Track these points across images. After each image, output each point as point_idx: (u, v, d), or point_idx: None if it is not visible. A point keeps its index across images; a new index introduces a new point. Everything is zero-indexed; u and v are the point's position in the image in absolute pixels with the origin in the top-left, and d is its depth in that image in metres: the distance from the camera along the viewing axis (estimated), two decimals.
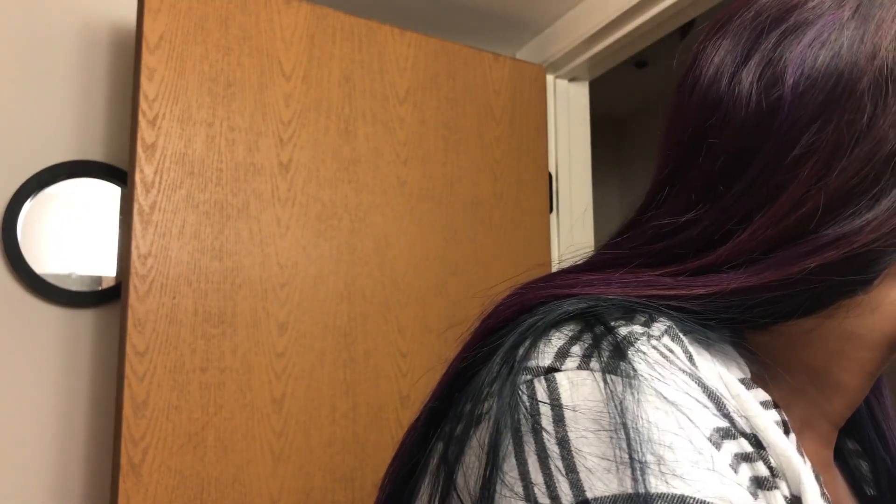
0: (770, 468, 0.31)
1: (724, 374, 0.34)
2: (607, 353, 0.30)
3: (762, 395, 0.36)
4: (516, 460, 0.28)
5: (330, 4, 1.30)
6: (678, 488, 0.26)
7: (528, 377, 0.30)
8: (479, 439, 0.30)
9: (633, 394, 0.28)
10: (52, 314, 1.16)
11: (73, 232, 1.19)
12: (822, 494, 0.34)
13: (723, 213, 0.37)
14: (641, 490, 0.26)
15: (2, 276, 1.14)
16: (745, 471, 0.30)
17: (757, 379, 0.38)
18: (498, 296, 0.39)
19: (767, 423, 0.33)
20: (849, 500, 0.43)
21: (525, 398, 0.30)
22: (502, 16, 1.58)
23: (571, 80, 1.70)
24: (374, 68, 1.31)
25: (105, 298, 1.19)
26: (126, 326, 1.03)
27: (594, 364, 0.30)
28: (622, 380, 0.29)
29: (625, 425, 0.27)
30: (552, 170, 1.63)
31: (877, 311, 0.37)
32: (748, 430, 0.31)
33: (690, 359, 0.33)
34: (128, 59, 1.28)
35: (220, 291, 1.11)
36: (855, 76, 0.35)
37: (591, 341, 0.31)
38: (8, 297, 1.14)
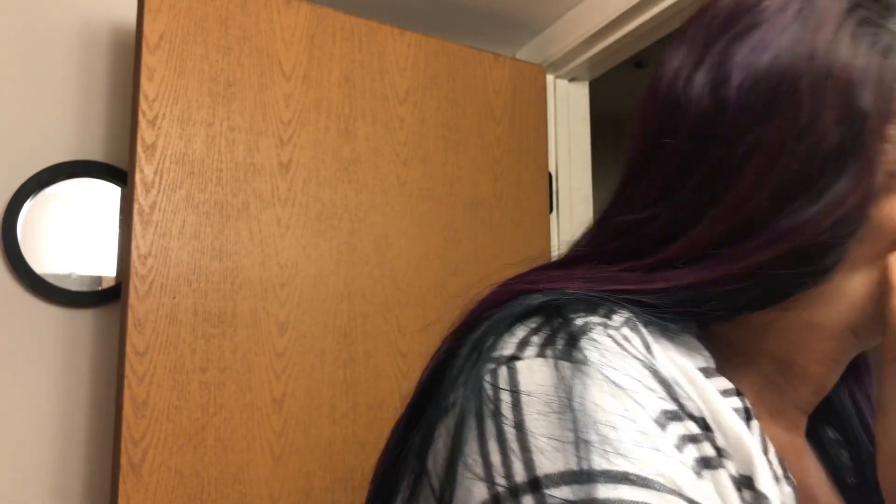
0: (717, 448, 0.32)
1: (680, 361, 0.35)
2: (562, 342, 0.32)
3: (724, 383, 0.37)
4: (478, 443, 0.30)
5: (330, 4, 1.30)
6: (620, 466, 0.27)
7: (493, 366, 0.32)
8: (447, 426, 0.32)
9: (581, 378, 0.30)
10: (52, 314, 1.16)
11: (73, 232, 1.19)
12: (786, 478, 0.35)
13: (677, 210, 0.38)
14: (585, 467, 0.27)
15: (2, 276, 1.14)
16: (691, 451, 0.31)
17: (722, 369, 0.39)
18: (479, 294, 0.41)
19: (721, 407, 0.34)
20: (825, 486, 0.43)
21: (488, 386, 0.31)
22: (502, 16, 1.58)
23: (571, 80, 1.70)
24: (374, 68, 1.31)
25: (105, 298, 1.19)
26: (126, 326, 1.03)
27: (549, 352, 0.31)
28: (573, 366, 0.31)
29: (572, 408, 0.29)
30: (552, 170, 1.63)
31: (837, 302, 0.38)
32: (696, 413, 0.33)
33: (647, 347, 0.34)
34: (128, 59, 1.28)
35: (220, 291, 1.11)
36: (794, 76, 0.36)
37: (549, 332, 0.33)
38: (8, 297, 1.14)
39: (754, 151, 0.36)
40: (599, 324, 0.33)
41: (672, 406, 0.31)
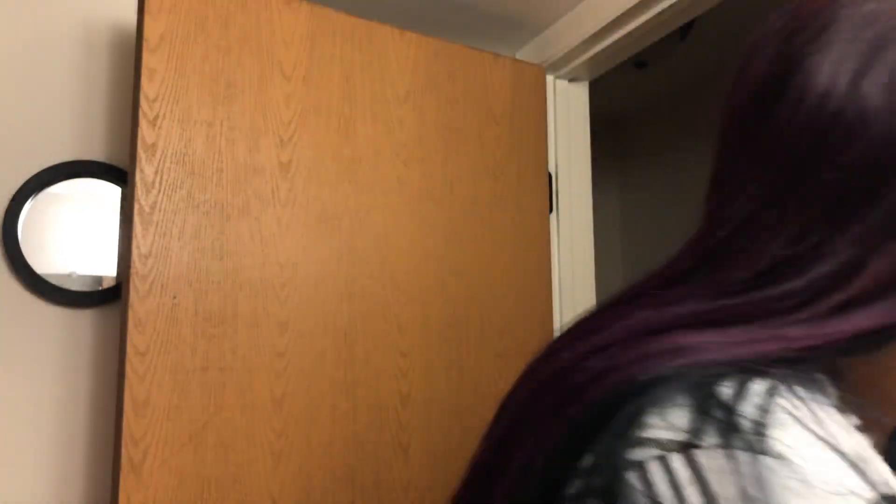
0: None
1: (837, 420, 0.32)
2: (747, 428, 0.29)
3: (853, 419, 0.34)
4: None
5: (330, 4, 1.30)
6: None
7: (655, 452, 0.29)
8: None
9: (769, 477, 0.27)
10: (53, 314, 1.16)
11: (74, 232, 1.19)
12: None
13: (857, 243, 0.33)
14: None
15: (2, 276, 1.14)
16: None
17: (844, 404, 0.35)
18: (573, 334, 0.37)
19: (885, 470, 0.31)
20: None
21: (658, 477, 0.28)
22: (502, 16, 1.58)
23: (571, 80, 1.70)
24: (375, 69, 1.31)
25: (105, 298, 1.20)
26: (126, 326, 1.03)
27: (734, 440, 0.28)
28: (757, 460, 0.28)
29: None
30: (552, 170, 1.63)
31: None
32: (889, 492, 0.29)
33: (815, 417, 0.31)
34: (128, 59, 1.28)
35: (221, 291, 1.11)
36: None
37: (722, 414, 0.30)
38: (8, 297, 1.14)
39: None
40: (772, 401, 0.30)
41: (868, 492, 0.28)
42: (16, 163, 1.17)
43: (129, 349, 1.02)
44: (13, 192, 1.16)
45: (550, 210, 1.59)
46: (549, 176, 1.59)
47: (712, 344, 0.33)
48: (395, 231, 1.29)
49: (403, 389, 1.26)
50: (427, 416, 1.28)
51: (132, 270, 1.04)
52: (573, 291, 1.62)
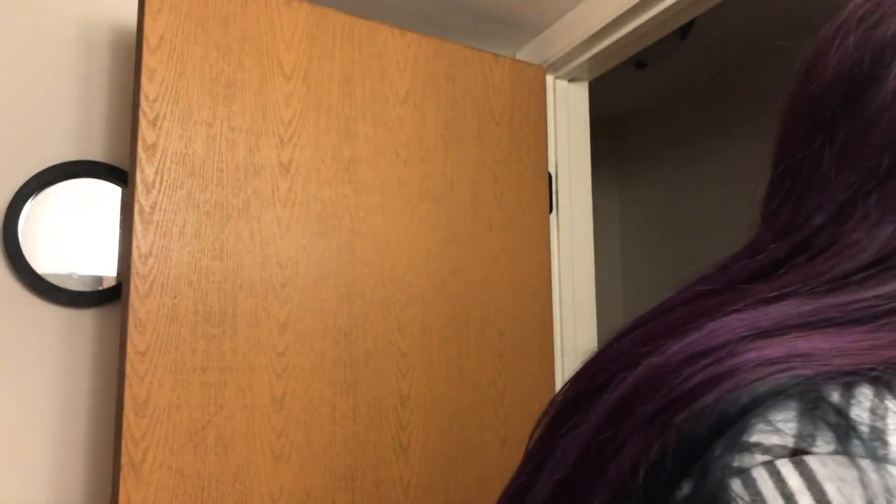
0: None
1: None
2: (864, 433, 0.27)
3: None
4: None
5: (330, 4, 1.30)
6: None
7: (762, 458, 0.27)
8: None
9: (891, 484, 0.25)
10: (53, 314, 1.17)
11: (74, 232, 1.19)
12: None
13: None
14: None
15: (3, 275, 1.14)
16: None
17: None
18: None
19: None
20: None
21: (765, 485, 0.26)
22: (502, 16, 1.58)
23: (571, 80, 1.70)
24: (375, 69, 1.31)
25: (106, 298, 1.20)
26: (127, 326, 1.03)
27: (852, 446, 0.26)
28: (880, 467, 0.26)
29: None
30: (552, 170, 1.63)
31: None
32: None
33: None
34: (129, 59, 1.28)
35: (221, 291, 1.11)
36: None
37: (835, 420, 0.28)
38: (9, 296, 1.14)
39: None
40: (883, 406, 0.28)
41: None
42: (16, 163, 1.17)
43: (130, 349, 1.02)
44: (13, 192, 1.16)
45: (550, 210, 1.59)
46: (549, 176, 1.59)
47: (834, 350, 0.30)
48: (395, 231, 1.29)
49: (403, 389, 1.26)
50: (427, 416, 1.28)
51: (132, 270, 1.05)
52: (573, 291, 1.62)
